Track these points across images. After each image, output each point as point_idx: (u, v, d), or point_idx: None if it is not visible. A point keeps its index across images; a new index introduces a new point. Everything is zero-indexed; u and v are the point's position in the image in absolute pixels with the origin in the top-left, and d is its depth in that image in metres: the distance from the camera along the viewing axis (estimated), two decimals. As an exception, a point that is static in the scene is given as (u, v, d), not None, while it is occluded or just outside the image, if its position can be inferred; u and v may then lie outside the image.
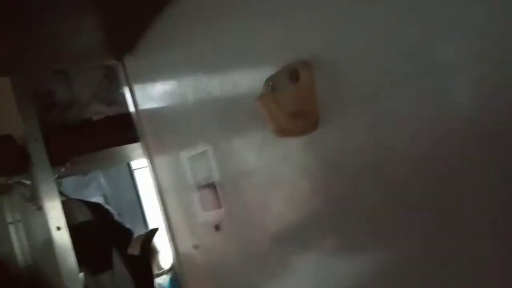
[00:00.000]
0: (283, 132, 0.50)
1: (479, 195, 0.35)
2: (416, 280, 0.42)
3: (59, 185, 1.21)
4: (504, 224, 0.33)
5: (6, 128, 1.15)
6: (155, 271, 1.46)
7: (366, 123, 0.43)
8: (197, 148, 0.72)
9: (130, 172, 2.32)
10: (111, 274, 1.37)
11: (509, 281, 0.34)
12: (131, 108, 0.95)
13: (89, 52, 0.85)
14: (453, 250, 0.37)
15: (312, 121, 0.47)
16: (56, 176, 1.14)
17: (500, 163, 0.33)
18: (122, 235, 1.48)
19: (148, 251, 1.45)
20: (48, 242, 1.10)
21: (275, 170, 0.56)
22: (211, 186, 0.71)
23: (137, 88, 0.92)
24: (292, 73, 0.47)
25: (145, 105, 0.91)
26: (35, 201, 1.14)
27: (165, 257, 1.48)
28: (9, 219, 1.57)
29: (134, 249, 1.42)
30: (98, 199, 2.01)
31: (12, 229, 1.57)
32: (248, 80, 0.57)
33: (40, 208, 1.11)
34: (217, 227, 0.73)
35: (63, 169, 1.19)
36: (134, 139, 0.97)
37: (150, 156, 0.93)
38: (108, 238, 1.43)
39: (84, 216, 1.45)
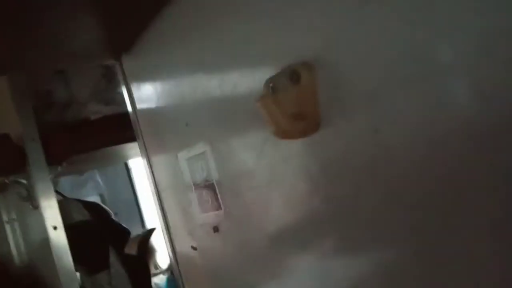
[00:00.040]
0: (283, 134, 0.50)
1: (479, 195, 0.35)
2: (416, 280, 0.42)
3: (55, 184, 1.21)
4: (504, 224, 0.34)
5: (3, 127, 1.14)
6: (152, 271, 1.46)
7: (368, 124, 0.43)
8: (196, 148, 0.72)
9: (127, 171, 2.32)
10: (108, 273, 1.37)
11: (509, 281, 0.34)
12: (129, 108, 0.94)
13: (88, 52, 0.85)
14: (453, 250, 0.37)
15: (313, 123, 0.47)
16: (53, 175, 1.14)
17: (500, 163, 0.33)
18: (119, 234, 1.48)
19: (145, 251, 1.45)
20: (45, 241, 1.09)
21: (275, 172, 0.56)
22: (210, 187, 0.70)
23: (135, 87, 0.92)
24: (292, 74, 0.47)
25: (143, 104, 0.91)
26: (31, 201, 1.14)
27: (162, 257, 1.48)
28: (5, 218, 1.56)
29: (131, 249, 1.42)
30: (95, 198, 2.00)
31: (8, 228, 1.56)
32: (248, 81, 0.57)
33: (36, 207, 1.11)
34: (216, 229, 0.72)
35: (60, 169, 1.19)
36: (131, 138, 0.97)
37: (147, 156, 0.93)
38: (105, 237, 1.43)
39: (81, 215, 1.44)
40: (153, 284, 1.44)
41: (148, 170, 0.93)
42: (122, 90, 0.96)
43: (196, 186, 0.75)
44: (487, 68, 0.33)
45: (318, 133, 0.47)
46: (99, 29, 0.75)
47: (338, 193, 0.48)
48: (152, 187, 0.93)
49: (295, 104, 0.47)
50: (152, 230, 1.53)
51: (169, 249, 0.92)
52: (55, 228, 1.08)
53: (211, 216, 0.72)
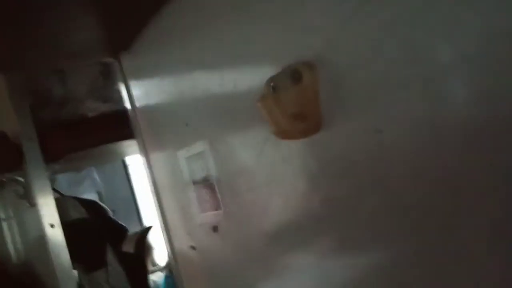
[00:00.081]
0: (284, 134, 0.49)
1: (479, 195, 0.35)
2: (416, 280, 0.42)
3: (52, 182, 1.20)
4: (504, 224, 0.34)
5: (0, 125, 1.13)
6: (150, 268, 1.45)
7: (369, 125, 0.42)
8: (195, 147, 0.72)
9: (125, 168, 2.31)
10: (105, 271, 1.37)
11: (509, 281, 0.34)
12: (127, 105, 0.94)
13: (86, 51, 0.85)
14: (453, 250, 0.37)
15: (314, 123, 0.47)
16: (50, 173, 1.13)
17: (500, 163, 0.33)
18: (116, 232, 1.47)
19: (143, 248, 1.45)
20: (42, 239, 1.09)
21: (275, 172, 0.56)
22: (209, 186, 0.70)
23: (133, 85, 0.91)
24: (294, 74, 0.47)
25: (141, 102, 0.90)
26: (28, 198, 1.13)
27: (160, 255, 1.48)
28: (2, 216, 1.56)
29: (128, 247, 1.42)
30: (92, 196, 2.00)
31: (5, 226, 1.55)
32: (248, 80, 0.57)
33: (33, 205, 1.10)
34: (215, 228, 0.72)
35: (57, 166, 1.18)
36: (129, 136, 0.97)
37: (146, 154, 0.93)
38: (103, 235, 1.42)
39: (78, 213, 1.44)
40: (150, 282, 1.44)
41: (146, 168, 0.93)
42: (120, 88, 0.95)
43: (196, 185, 0.74)
44: (487, 68, 0.33)
45: (319, 134, 0.47)
46: (98, 28, 0.76)
47: (338, 194, 0.48)
48: (151, 185, 0.93)
49: (296, 104, 0.47)
50: (149, 227, 1.53)
51: (168, 248, 0.92)
52: (52, 226, 1.08)
53: (210, 216, 0.72)
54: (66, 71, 1.14)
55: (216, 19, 0.60)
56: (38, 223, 1.09)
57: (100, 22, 0.73)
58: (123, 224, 1.53)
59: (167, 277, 1.42)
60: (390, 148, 0.41)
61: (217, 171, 0.68)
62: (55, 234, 1.08)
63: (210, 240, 0.75)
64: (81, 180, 2.06)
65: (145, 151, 0.93)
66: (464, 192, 0.36)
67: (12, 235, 1.55)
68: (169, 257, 0.93)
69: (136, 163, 2.23)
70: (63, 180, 1.88)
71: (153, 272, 1.46)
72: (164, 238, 0.93)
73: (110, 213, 1.56)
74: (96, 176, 2.12)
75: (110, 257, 1.39)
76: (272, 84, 0.49)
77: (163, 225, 0.92)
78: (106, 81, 1.17)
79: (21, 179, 1.15)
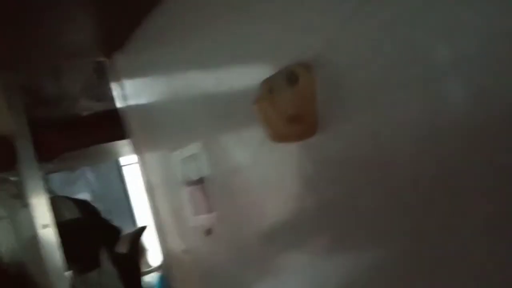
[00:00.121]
0: (280, 137, 0.48)
1: (478, 195, 0.35)
2: (415, 280, 0.42)
3: (46, 182, 1.19)
4: (504, 224, 0.34)
5: (-8, 123, 1.12)
6: (144, 269, 1.45)
7: (367, 128, 0.42)
8: (189, 149, 0.71)
9: (119, 168, 2.30)
10: (98, 272, 1.36)
11: (508, 280, 0.34)
12: (120, 105, 0.93)
13: (80, 50, 0.85)
14: (453, 250, 0.37)
15: (310, 126, 0.46)
16: (44, 172, 1.12)
17: (500, 163, 0.33)
18: (110, 233, 1.46)
19: (137, 249, 1.44)
20: (35, 239, 1.08)
21: (270, 174, 0.55)
22: (203, 189, 0.69)
23: (126, 85, 0.91)
24: (290, 75, 0.46)
25: (135, 102, 0.90)
26: (21, 198, 1.12)
27: (154, 255, 1.47)
28: (-5, 216, 1.54)
29: (122, 248, 1.41)
30: (85, 195, 1.98)
31: (-3, 226, 1.54)
32: (244, 81, 0.56)
33: (26, 205, 1.09)
34: (208, 232, 0.71)
35: (50, 166, 1.17)
36: (123, 136, 0.96)
37: (139, 154, 0.92)
38: (96, 236, 1.41)
39: (71, 213, 1.43)
40: (144, 283, 1.43)
41: (140, 169, 0.92)
42: (113, 87, 0.94)
43: (189, 187, 0.73)
44: (487, 68, 0.33)
45: (315, 137, 0.46)
46: (91, 27, 0.75)
47: (335, 196, 0.47)
48: (144, 186, 0.92)
49: (292, 106, 0.46)
50: (143, 228, 1.52)
51: (161, 249, 0.92)
52: (45, 226, 1.07)
53: (204, 219, 0.71)
54: (60, 70, 1.13)
55: (211, 18, 0.59)
56: (31, 223, 1.08)
57: (93, 21, 0.72)
58: (116, 225, 1.52)
59: (161, 278, 1.41)
60: (389, 149, 0.41)
61: (211, 173, 0.67)
62: (48, 234, 1.07)
63: (203, 243, 0.74)
64: (75, 180, 2.05)
65: (138, 151, 0.92)
66: (464, 192, 0.36)
67: (5, 235, 1.53)
68: (162, 260, 0.92)
69: (130, 163, 2.22)
70: (56, 179, 1.87)
71: (147, 273, 1.45)
72: (157, 240, 0.92)
73: (104, 214, 1.55)
74: (90, 176, 2.11)
75: (104, 258, 1.38)
76: (267, 85, 0.48)
77: (156, 227, 0.91)
78: (100, 80, 1.16)
79: (14, 178, 1.13)
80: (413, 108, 0.38)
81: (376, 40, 0.40)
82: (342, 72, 0.43)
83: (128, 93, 0.91)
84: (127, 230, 1.58)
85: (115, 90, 0.93)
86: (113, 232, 1.50)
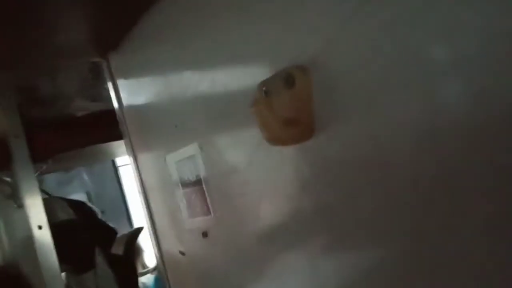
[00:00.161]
0: (276, 140, 0.48)
1: (478, 195, 0.35)
2: (415, 280, 0.42)
3: (40, 182, 1.18)
4: (504, 224, 0.34)
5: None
6: (140, 270, 1.44)
7: (365, 130, 0.42)
8: (185, 151, 0.71)
9: (115, 169, 2.29)
10: (94, 274, 1.35)
11: (508, 280, 0.34)
12: (116, 106, 0.93)
13: (75, 51, 0.85)
14: (453, 250, 0.37)
15: (307, 129, 0.45)
16: (38, 173, 1.11)
17: (500, 163, 0.33)
18: (105, 234, 1.46)
19: (133, 250, 1.43)
20: (29, 240, 1.07)
21: (267, 177, 0.55)
22: (199, 191, 0.69)
23: (121, 85, 0.90)
24: (287, 78, 0.45)
25: (130, 102, 0.89)
26: (15, 199, 1.11)
27: (150, 256, 1.47)
28: (-12, 217, 1.52)
29: (118, 249, 1.40)
30: (81, 196, 1.97)
31: (-9, 227, 1.52)
32: (240, 83, 0.56)
33: (21, 206, 1.08)
34: (205, 234, 0.71)
35: (45, 166, 1.16)
36: (119, 136, 0.96)
37: (134, 156, 0.91)
38: (91, 237, 1.41)
39: (66, 214, 1.42)
40: (140, 284, 1.42)
41: (134, 169, 0.92)
42: (108, 87, 0.94)
43: (185, 189, 0.73)
44: (487, 68, 0.33)
45: (311, 140, 0.46)
46: (85, 27, 0.75)
47: (334, 197, 0.47)
48: (139, 187, 0.92)
49: (289, 109, 0.46)
50: (139, 229, 1.51)
51: (156, 252, 0.91)
52: (40, 227, 1.06)
53: (200, 221, 0.71)
54: (55, 70, 1.13)
55: (207, 18, 0.59)
56: (26, 224, 1.07)
57: (88, 21, 0.72)
58: (112, 226, 1.52)
59: (157, 279, 1.40)
60: (389, 149, 0.41)
61: (208, 175, 0.67)
62: (43, 235, 1.06)
63: (199, 245, 0.74)
64: (70, 180, 2.04)
65: (133, 152, 0.91)
66: (464, 192, 0.36)
67: (-1, 236, 1.52)
68: (157, 261, 0.92)
69: (126, 164, 2.21)
70: (51, 179, 1.86)
71: (143, 274, 1.45)
72: (152, 242, 0.92)
73: (99, 215, 1.54)
74: (85, 176, 2.10)
75: (99, 259, 1.37)
76: (264, 88, 0.48)
77: (151, 229, 0.91)
78: (96, 80, 1.15)
79: (8, 179, 1.12)
80: (413, 108, 0.38)
81: (376, 40, 0.39)
82: (342, 73, 0.43)
83: (122, 93, 0.91)
84: (123, 231, 1.57)
85: (111, 90, 0.93)
86: (109, 233, 1.49)
